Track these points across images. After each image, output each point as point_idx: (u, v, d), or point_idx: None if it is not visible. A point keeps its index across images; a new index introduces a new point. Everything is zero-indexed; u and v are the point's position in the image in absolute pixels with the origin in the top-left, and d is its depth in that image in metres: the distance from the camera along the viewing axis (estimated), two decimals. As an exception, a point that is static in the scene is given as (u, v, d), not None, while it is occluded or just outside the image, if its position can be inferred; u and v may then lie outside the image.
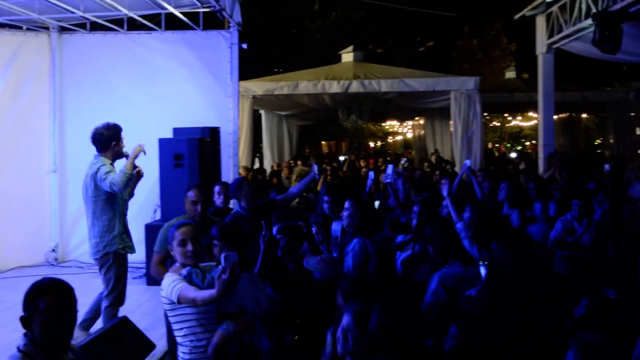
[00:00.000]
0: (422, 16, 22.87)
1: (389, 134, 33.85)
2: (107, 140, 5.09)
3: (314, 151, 29.89)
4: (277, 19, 21.49)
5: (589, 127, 26.14)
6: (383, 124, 29.02)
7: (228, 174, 7.99)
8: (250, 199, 5.00)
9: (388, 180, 6.65)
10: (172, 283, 3.15)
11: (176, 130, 7.41)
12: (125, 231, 5.18)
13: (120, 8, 7.60)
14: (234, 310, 3.38)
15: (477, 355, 2.67)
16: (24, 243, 8.26)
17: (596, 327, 3.08)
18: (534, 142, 26.85)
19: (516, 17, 11.53)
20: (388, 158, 17.65)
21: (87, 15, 7.84)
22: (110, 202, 5.03)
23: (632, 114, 16.61)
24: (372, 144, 36.07)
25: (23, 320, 2.40)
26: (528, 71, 21.93)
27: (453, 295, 3.77)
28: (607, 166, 9.10)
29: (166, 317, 3.46)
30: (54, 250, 8.45)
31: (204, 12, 8.11)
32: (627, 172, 8.66)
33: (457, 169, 11.13)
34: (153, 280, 5.59)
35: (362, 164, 14.36)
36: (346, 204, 4.69)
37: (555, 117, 12.88)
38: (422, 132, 19.73)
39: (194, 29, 8.37)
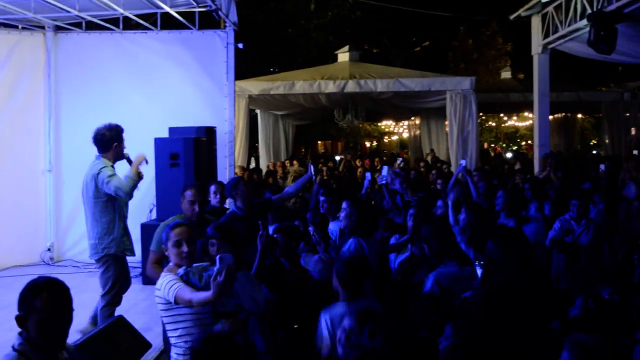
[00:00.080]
0: (418, 16, 22.91)
1: (385, 133, 33.89)
2: (109, 141, 5.09)
3: (310, 151, 29.88)
4: (277, 18, 21.46)
5: (584, 127, 26.22)
6: (379, 124, 29.05)
7: (224, 174, 7.98)
8: (247, 198, 4.99)
9: (383, 182, 6.55)
10: (168, 283, 3.10)
11: (172, 130, 7.41)
12: (126, 233, 5.18)
13: (115, 7, 7.59)
14: (230, 309, 3.38)
15: (472, 355, 2.67)
16: (20, 242, 8.23)
17: (590, 328, 3.09)
18: (529, 142, 26.96)
19: (512, 17, 11.57)
20: (384, 158, 17.67)
21: (82, 14, 7.81)
22: (111, 204, 5.03)
23: (627, 114, 16.63)
24: (367, 144, 36.10)
25: (18, 319, 2.39)
26: (523, 71, 22.03)
27: (448, 295, 3.78)
28: (602, 166, 9.14)
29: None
30: (49, 249, 8.43)
31: (199, 12, 8.10)
32: (622, 172, 8.67)
33: (452, 169, 11.14)
34: (149, 279, 5.58)
35: (358, 163, 14.35)
36: (344, 204, 4.67)
37: (550, 117, 12.92)
38: (418, 132, 19.74)
39: (189, 28, 8.35)
